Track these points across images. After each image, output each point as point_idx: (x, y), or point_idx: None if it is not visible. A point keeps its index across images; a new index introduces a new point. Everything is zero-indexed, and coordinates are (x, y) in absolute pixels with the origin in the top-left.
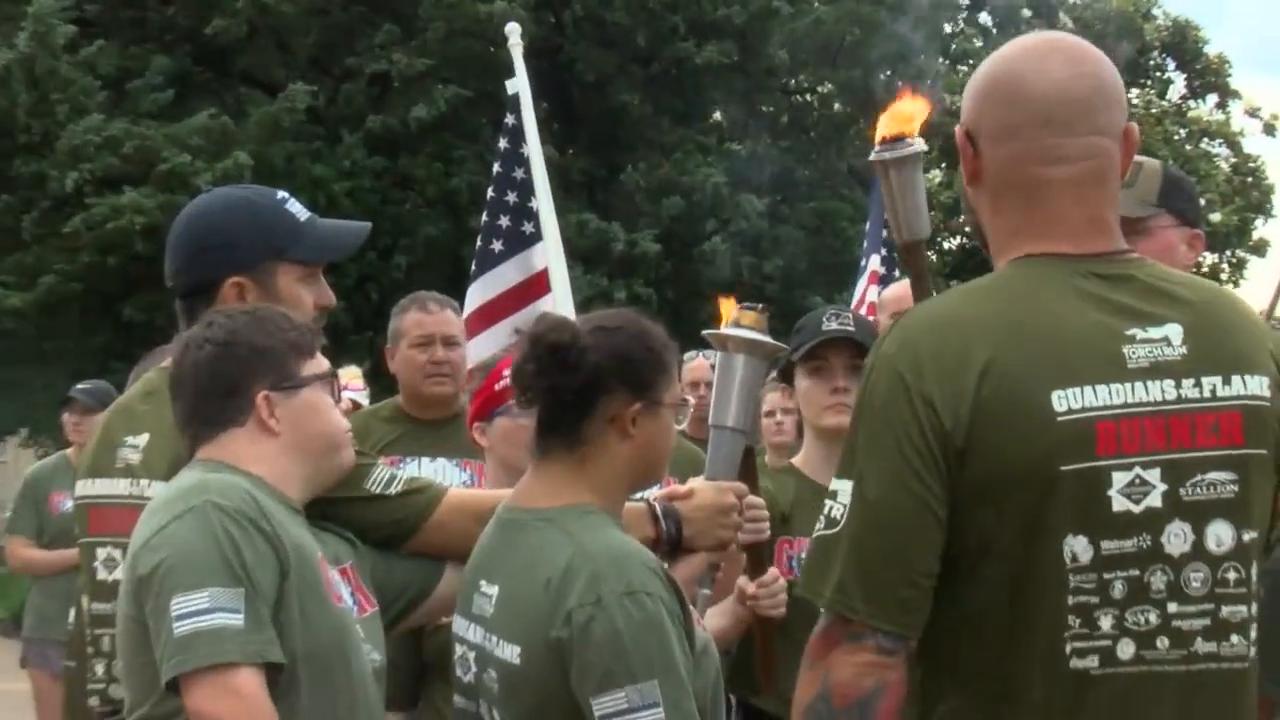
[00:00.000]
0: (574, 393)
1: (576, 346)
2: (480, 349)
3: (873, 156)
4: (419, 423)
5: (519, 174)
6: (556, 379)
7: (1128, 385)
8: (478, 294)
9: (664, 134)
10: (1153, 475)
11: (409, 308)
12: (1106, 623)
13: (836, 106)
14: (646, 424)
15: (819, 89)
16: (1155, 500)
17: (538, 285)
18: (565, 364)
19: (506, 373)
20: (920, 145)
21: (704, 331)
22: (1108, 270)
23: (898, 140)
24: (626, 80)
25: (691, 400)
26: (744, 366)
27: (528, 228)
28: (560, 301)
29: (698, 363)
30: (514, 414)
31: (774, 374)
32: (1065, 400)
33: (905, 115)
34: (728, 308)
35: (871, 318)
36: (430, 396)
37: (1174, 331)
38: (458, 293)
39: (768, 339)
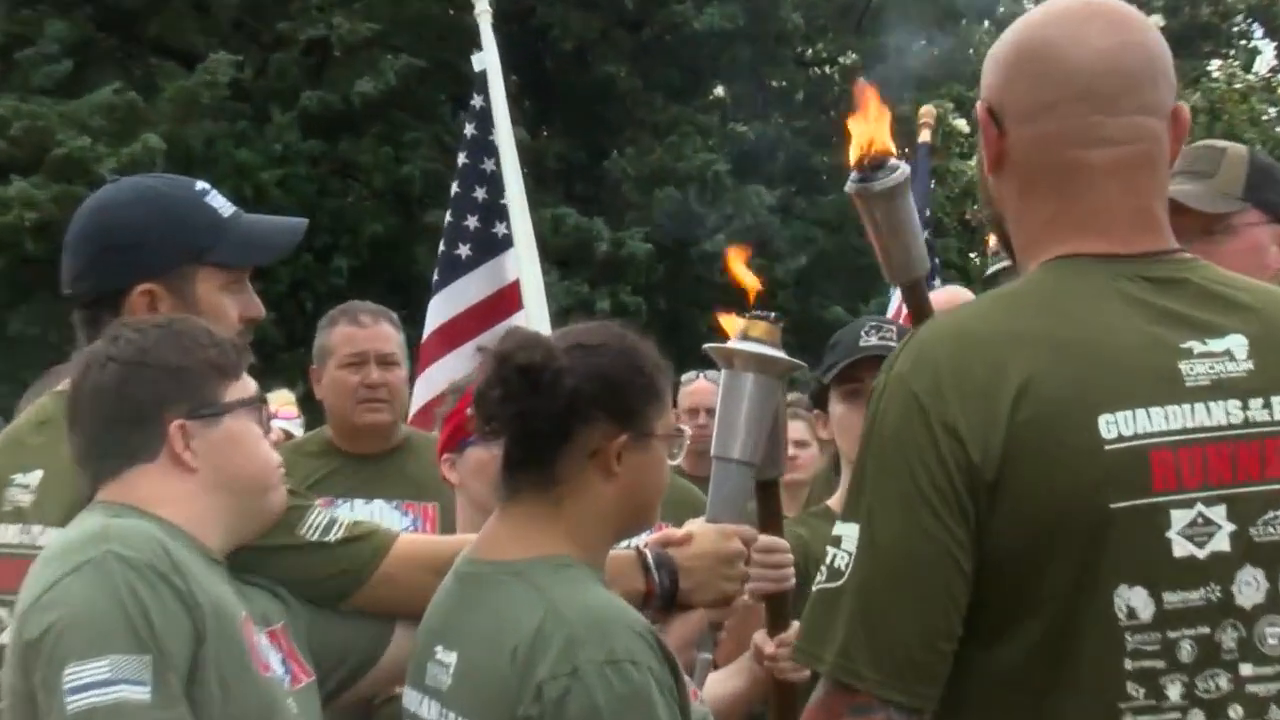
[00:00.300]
0: (547, 423)
1: (550, 368)
2: (444, 375)
3: (851, 188)
4: (351, 458)
5: (488, 166)
6: (526, 406)
7: (1186, 407)
8: (441, 308)
9: (656, 112)
10: (1218, 513)
11: (338, 320)
12: (1175, 691)
13: (860, 80)
14: (634, 459)
15: (840, 59)
16: (1222, 543)
17: (511, 299)
18: (537, 388)
19: None
20: (904, 168)
21: (705, 346)
22: (1158, 273)
23: (877, 165)
24: (612, 48)
25: (689, 430)
26: (753, 388)
27: (500, 229)
28: (534, 314)
29: (697, 385)
30: (490, 443)
31: (797, 397)
32: (1114, 426)
33: (875, 129)
34: (731, 322)
35: None
36: (364, 426)
37: (1237, 344)
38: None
39: (781, 354)
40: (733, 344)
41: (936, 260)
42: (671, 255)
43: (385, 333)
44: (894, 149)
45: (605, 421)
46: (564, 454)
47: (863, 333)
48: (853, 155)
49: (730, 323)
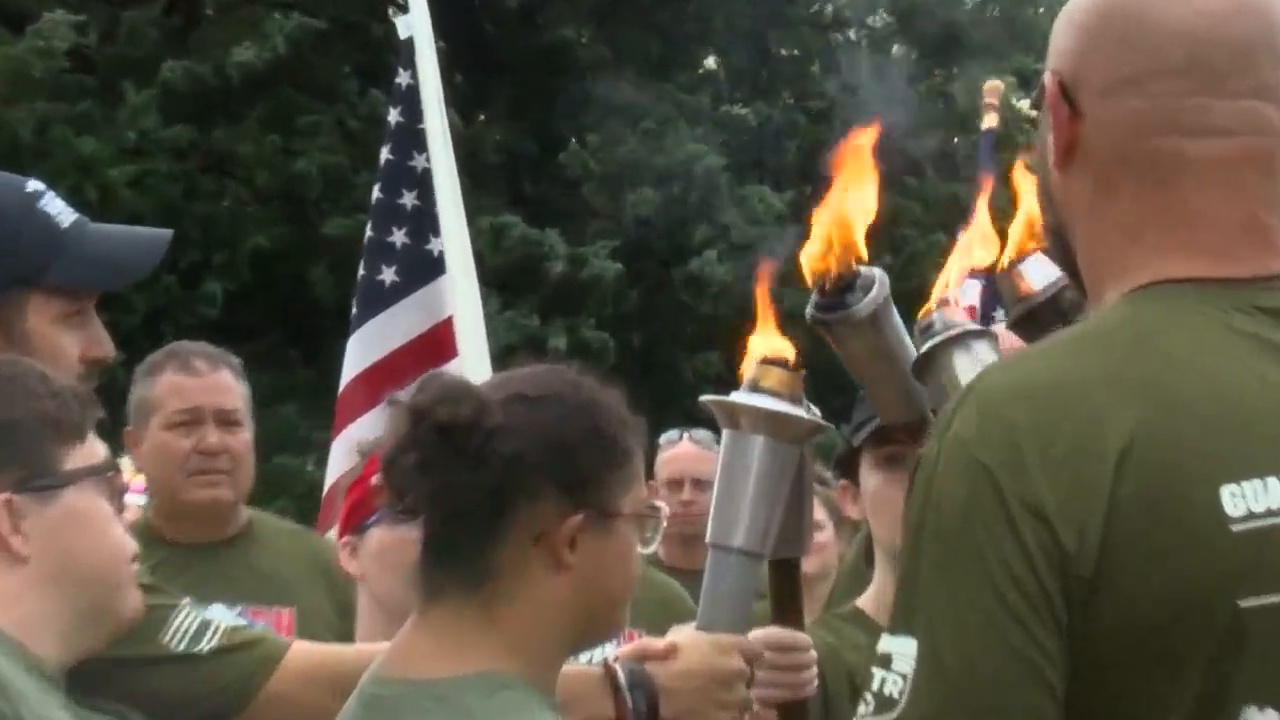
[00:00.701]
0: (478, 499)
1: (481, 427)
2: (365, 434)
3: (811, 314)
4: (179, 548)
5: (419, 162)
6: (449, 478)
7: None
8: (362, 351)
9: (627, 90)
10: None
11: (163, 367)
12: None
13: (896, 48)
14: (593, 545)
15: (868, 21)
16: None
17: (446, 340)
18: (463, 454)
19: None
20: (881, 279)
21: (703, 398)
22: (1277, 302)
23: (844, 287)
24: (569, 6)
25: (666, 507)
26: (764, 455)
27: (434, 246)
28: (471, 357)
29: (681, 449)
30: (400, 523)
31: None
32: (1241, 500)
33: (840, 225)
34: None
35: None
36: (196, 505)
37: None
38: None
39: (803, 412)
40: (738, 397)
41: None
42: (648, 277)
43: (225, 383)
44: (863, 250)
45: (554, 497)
46: (500, 540)
47: None
48: (808, 267)
49: (755, 357)
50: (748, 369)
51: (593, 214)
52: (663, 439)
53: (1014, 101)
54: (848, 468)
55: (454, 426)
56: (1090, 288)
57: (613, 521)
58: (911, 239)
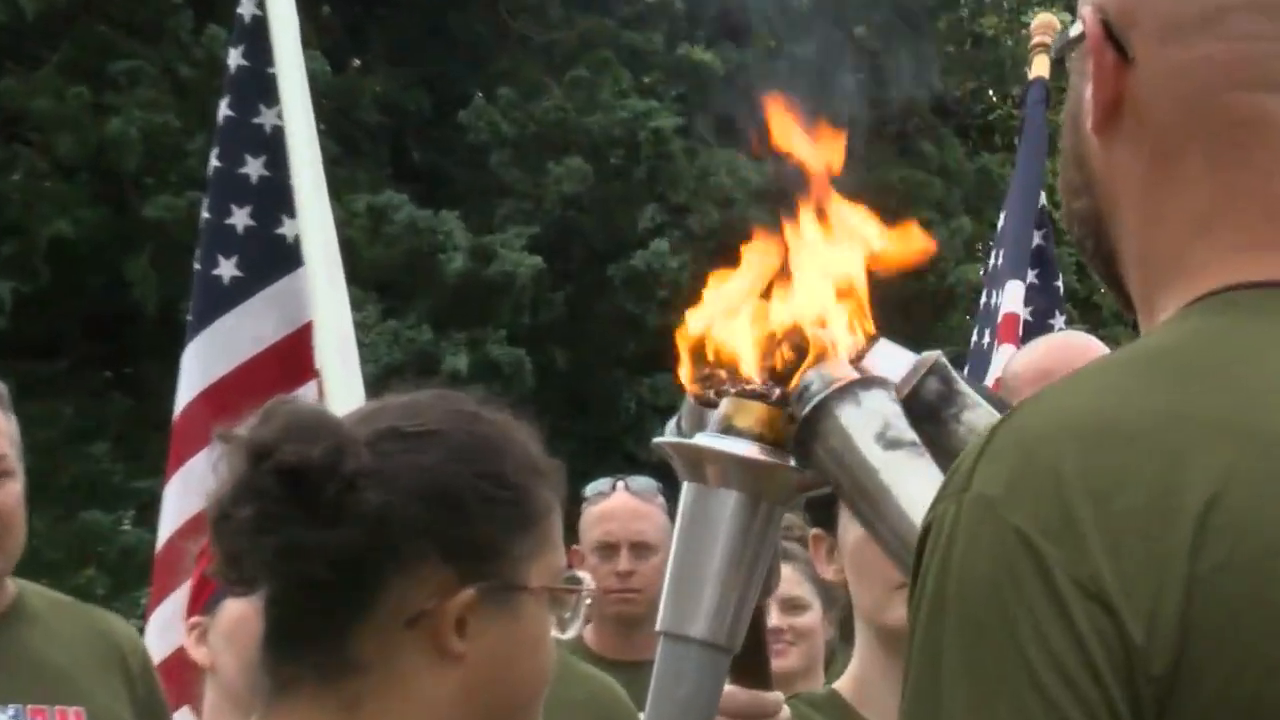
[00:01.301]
0: (335, 568)
1: (340, 471)
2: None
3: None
4: None
5: (268, 120)
6: (297, 538)
7: None
8: (202, 364)
9: (550, 28)
10: None
11: None
12: None
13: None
14: (491, 630)
15: None
16: None
17: (305, 353)
18: (314, 507)
19: None
20: (827, 379)
21: (659, 439)
22: None
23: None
24: None
25: (590, 581)
26: (738, 516)
27: (288, 229)
28: (335, 377)
29: (615, 504)
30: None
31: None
32: None
33: (731, 328)
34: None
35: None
36: None
37: None
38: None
39: (788, 461)
40: (706, 439)
41: (1057, 285)
42: (577, 275)
43: None
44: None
45: (437, 565)
46: (365, 620)
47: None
48: (685, 374)
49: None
50: (722, 405)
51: (503, 191)
52: (590, 490)
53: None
54: (823, 513)
55: (304, 471)
56: (1140, 295)
57: (517, 597)
58: (931, 224)
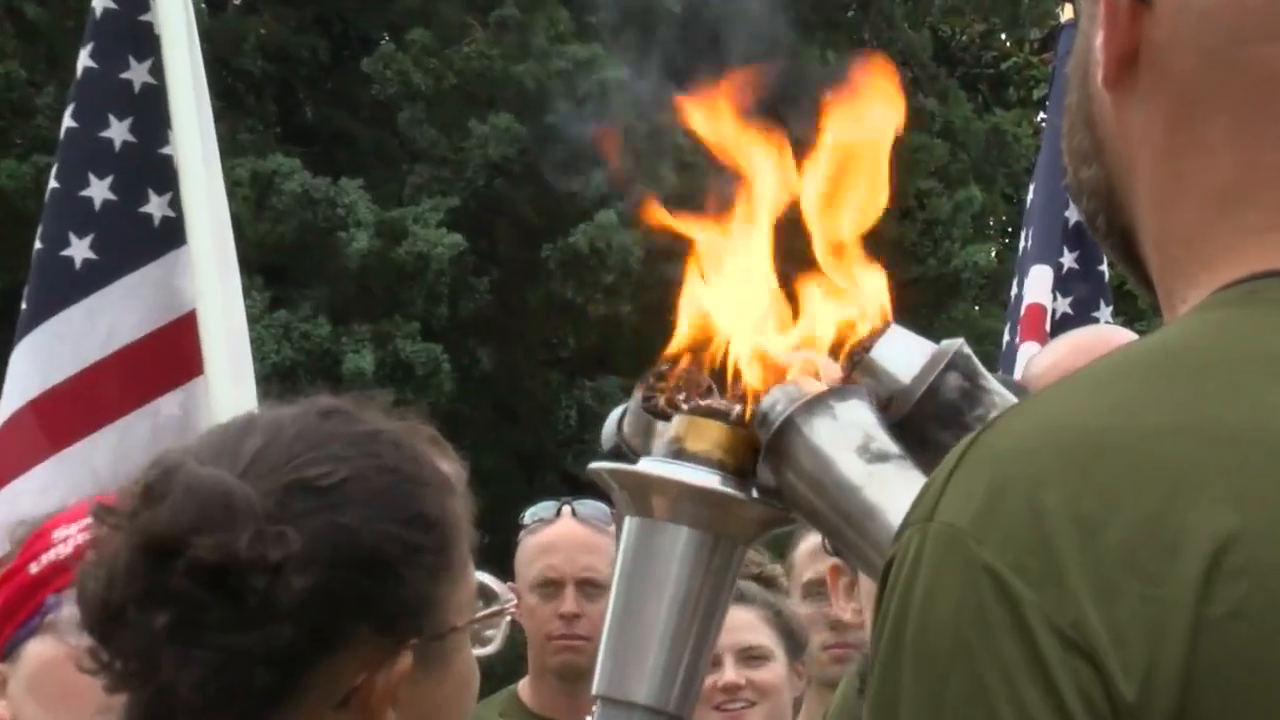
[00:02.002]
0: (261, 667)
1: (266, 563)
2: (43, 498)
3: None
4: None
5: (138, 74)
6: (228, 647)
7: None
8: (36, 366)
9: None
10: None
11: None
12: None
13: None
14: (422, 685)
15: None
16: None
17: (187, 349)
18: (241, 610)
19: (62, 536)
20: (796, 392)
21: (594, 465)
22: None
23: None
24: None
25: (510, 596)
26: (690, 557)
27: (155, 207)
28: (221, 376)
29: (560, 532)
30: (63, 630)
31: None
32: None
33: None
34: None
35: None
36: None
37: None
38: None
39: (748, 490)
40: (652, 465)
41: (1101, 269)
42: (505, 257)
43: None
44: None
45: (369, 636)
46: (289, 710)
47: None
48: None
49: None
50: (672, 424)
51: (416, 156)
52: (529, 516)
53: None
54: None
55: (227, 569)
56: (1159, 283)
57: (447, 643)
58: (932, 196)
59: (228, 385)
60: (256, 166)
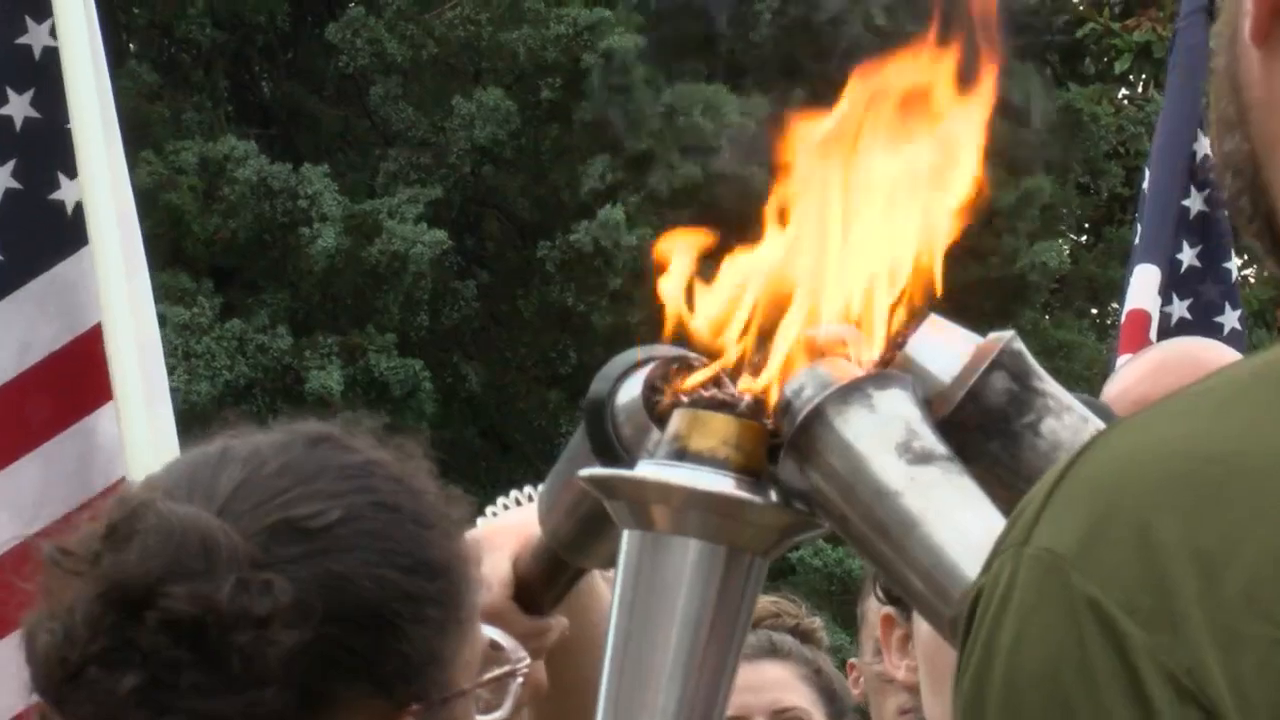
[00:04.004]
0: None
1: (251, 616)
2: None
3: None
4: None
5: (38, 40)
6: (206, 711)
7: None
8: None
9: None
10: None
11: None
12: None
13: None
14: None
15: None
16: None
17: (93, 369)
18: (222, 670)
19: None
20: (828, 379)
21: (584, 472)
22: None
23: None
24: None
25: (516, 649)
26: (700, 568)
27: (67, 193)
28: (134, 399)
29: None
30: None
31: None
32: None
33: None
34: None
35: None
36: None
37: None
38: None
39: (766, 493)
40: (650, 469)
41: (1228, 267)
42: (495, 257)
43: None
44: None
45: (367, 698)
46: None
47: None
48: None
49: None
50: (672, 420)
51: (390, 139)
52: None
53: None
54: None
55: (206, 623)
56: None
57: (449, 709)
58: (995, 182)
59: (140, 411)
60: (205, 151)
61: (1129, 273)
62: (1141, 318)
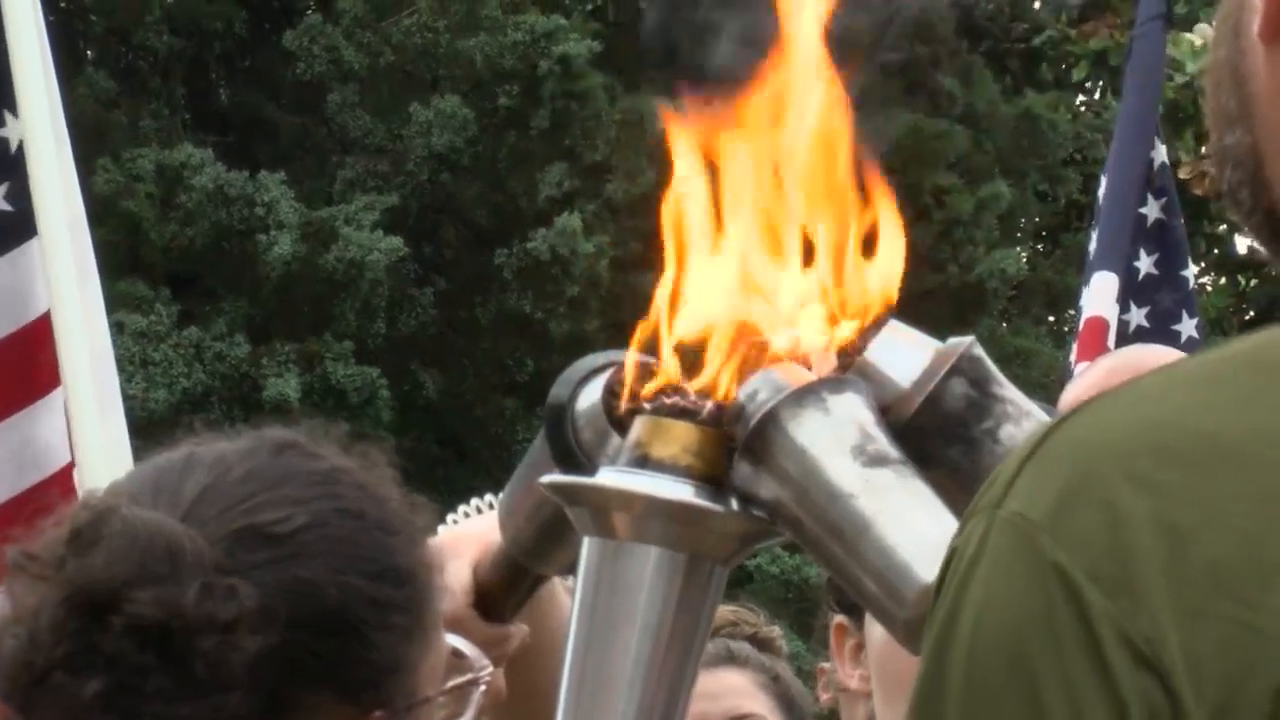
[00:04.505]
0: None
1: (216, 621)
2: None
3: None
4: None
5: None
6: (162, 713)
7: None
8: None
9: None
10: None
11: None
12: None
13: None
14: None
15: None
16: None
17: (39, 358)
18: (186, 675)
19: None
20: (782, 382)
21: (545, 479)
22: None
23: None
24: None
25: (479, 657)
26: (660, 576)
27: (5, 194)
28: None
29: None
30: None
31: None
32: None
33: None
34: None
35: None
36: None
37: None
38: None
39: (726, 500)
40: (610, 477)
41: (1185, 275)
42: (452, 265)
43: None
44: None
45: (331, 705)
46: None
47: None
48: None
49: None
50: (634, 427)
51: (346, 145)
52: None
53: None
54: (845, 597)
55: (172, 628)
56: None
57: (413, 716)
58: (954, 190)
59: (93, 415)
60: (162, 158)
61: (1085, 280)
62: (1100, 325)
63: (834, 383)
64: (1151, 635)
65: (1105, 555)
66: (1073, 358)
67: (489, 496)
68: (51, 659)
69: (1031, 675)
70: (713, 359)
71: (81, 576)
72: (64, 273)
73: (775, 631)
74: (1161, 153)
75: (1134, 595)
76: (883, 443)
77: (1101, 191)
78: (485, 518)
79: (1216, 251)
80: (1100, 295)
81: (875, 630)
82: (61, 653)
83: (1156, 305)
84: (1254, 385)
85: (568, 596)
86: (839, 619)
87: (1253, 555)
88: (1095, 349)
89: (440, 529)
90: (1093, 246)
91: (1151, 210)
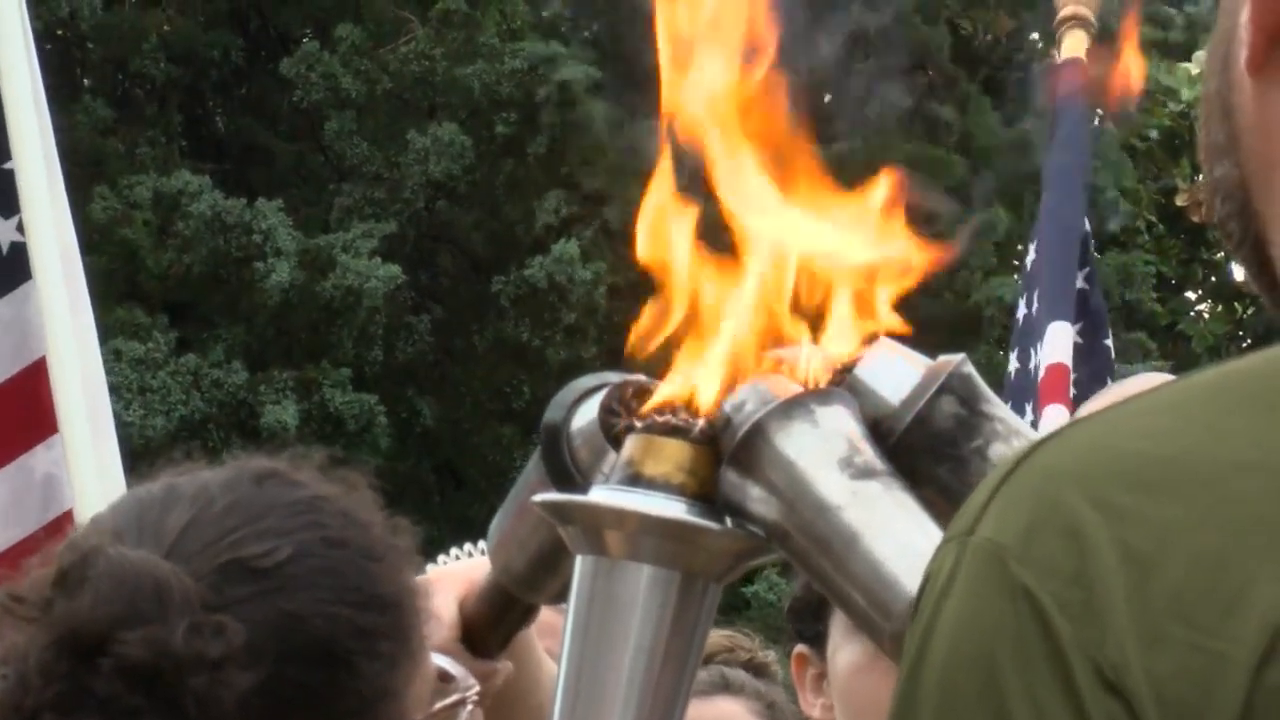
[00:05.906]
0: None
1: (205, 660)
2: None
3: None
4: None
5: None
6: None
7: None
8: None
9: None
10: None
11: None
12: None
13: None
14: None
15: None
16: None
17: (38, 402)
18: (176, 714)
19: None
20: (763, 395)
21: (538, 497)
22: None
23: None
24: None
25: (465, 676)
26: (653, 594)
27: (3, 230)
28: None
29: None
30: None
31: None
32: None
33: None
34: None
35: None
36: None
37: None
38: None
39: (719, 518)
40: (603, 494)
41: (1107, 343)
42: (449, 292)
43: None
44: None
45: None
46: None
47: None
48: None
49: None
50: (626, 445)
51: (343, 173)
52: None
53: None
54: (810, 625)
55: (162, 667)
56: None
57: None
58: (947, 220)
59: (87, 447)
60: (159, 185)
61: (1034, 341)
62: (1060, 373)
63: (822, 395)
64: (1117, 662)
65: (1071, 582)
66: (1031, 405)
67: (482, 544)
68: (40, 701)
69: (1001, 696)
70: (707, 377)
71: (70, 619)
72: (58, 305)
73: (770, 657)
74: (1084, 224)
75: (1100, 623)
76: (870, 455)
77: (1031, 262)
78: (470, 560)
79: (1214, 279)
80: (1058, 343)
81: (839, 659)
82: (51, 694)
83: (1085, 372)
84: (1221, 411)
85: (543, 639)
86: (800, 649)
87: (1215, 582)
88: (1059, 393)
89: (429, 568)
90: (1031, 311)
91: (1077, 280)
